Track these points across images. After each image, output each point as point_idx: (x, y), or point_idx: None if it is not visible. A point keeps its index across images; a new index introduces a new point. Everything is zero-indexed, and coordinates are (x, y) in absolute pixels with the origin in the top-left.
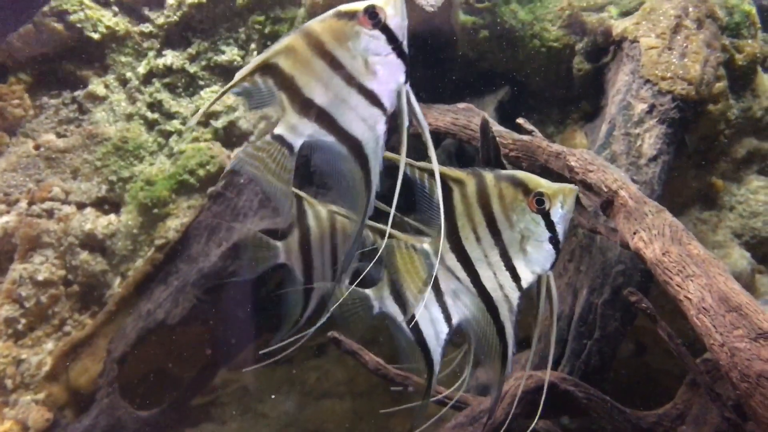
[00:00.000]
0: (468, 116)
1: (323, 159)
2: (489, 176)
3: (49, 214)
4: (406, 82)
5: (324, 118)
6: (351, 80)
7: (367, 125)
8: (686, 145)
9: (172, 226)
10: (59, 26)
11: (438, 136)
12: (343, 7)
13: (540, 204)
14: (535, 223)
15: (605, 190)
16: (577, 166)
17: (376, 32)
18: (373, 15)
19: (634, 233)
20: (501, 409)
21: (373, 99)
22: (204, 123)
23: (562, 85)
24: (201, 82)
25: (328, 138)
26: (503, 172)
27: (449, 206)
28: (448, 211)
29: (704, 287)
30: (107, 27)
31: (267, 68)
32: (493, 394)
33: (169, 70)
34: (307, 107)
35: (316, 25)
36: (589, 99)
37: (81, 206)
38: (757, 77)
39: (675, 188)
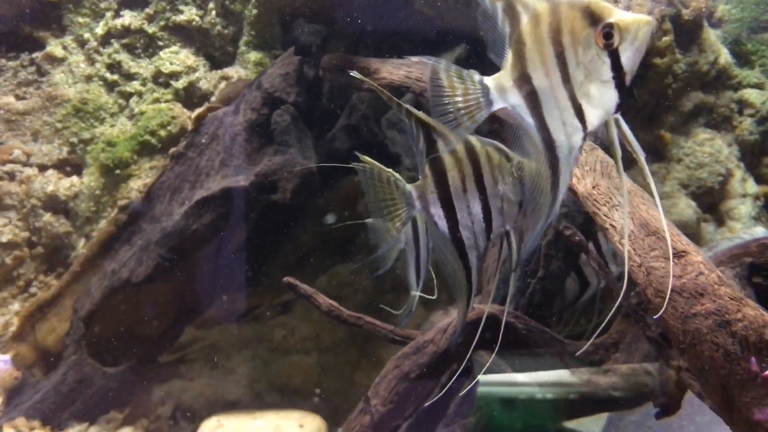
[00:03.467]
0: (421, 69)
1: (516, 136)
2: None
3: (11, 176)
4: (616, 112)
5: (533, 100)
6: (567, 83)
7: (565, 132)
8: (634, 99)
9: (135, 186)
10: None
11: (393, 89)
12: (596, 6)
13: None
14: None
15: None
16: None
17: (605, 54)
18: (608, 35)
19: None
20: (444, 338)
21: (578, 111)
22: (164, 84)
23: None
24: (160, 43)
25: (529, 119)
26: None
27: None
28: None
29: (628, 215)
30: None
31: (511, 9)
32: (459, 318)
33: (127, 31)
34: (523, 80)
35: (567, 6)
36: None
37: (43, 168)
38: (703, 32)
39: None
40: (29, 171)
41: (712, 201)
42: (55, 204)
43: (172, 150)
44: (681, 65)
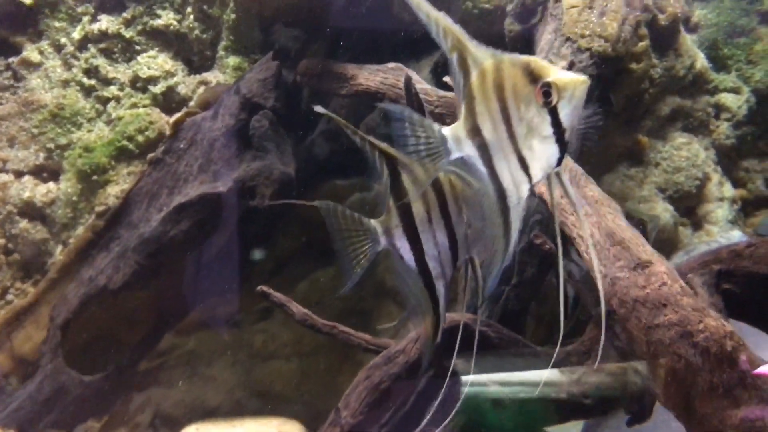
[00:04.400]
0: (397, 75)
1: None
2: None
3: None
4: (557, 166)
5: (484, 151)
6: (512, 137)
7: (513, 182)
8: (612, 104)
9: (113, 192)
10: None
11: (369, 95)
12: (535, 64)
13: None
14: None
15: None
16: None
17: (544, 111)
18: (546, 94)
19: None
20: (415, 348)
21: (522, 164)
22: (142, 89)
23: (495, 46)
24: (137, 47)
25: (482, 168)
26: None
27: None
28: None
29: (594, 225)
30: None
31: (463, 63)
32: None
33: (104, 35)
34: (474, 132)
35: (509, 64)
36: None
37: (19, 174)
38: (680, 37)
39: (603, 146)
40: (5, 177)
41: (689, 205)
42: (31, 210)
43: (150, 155)
44: (657, 70)
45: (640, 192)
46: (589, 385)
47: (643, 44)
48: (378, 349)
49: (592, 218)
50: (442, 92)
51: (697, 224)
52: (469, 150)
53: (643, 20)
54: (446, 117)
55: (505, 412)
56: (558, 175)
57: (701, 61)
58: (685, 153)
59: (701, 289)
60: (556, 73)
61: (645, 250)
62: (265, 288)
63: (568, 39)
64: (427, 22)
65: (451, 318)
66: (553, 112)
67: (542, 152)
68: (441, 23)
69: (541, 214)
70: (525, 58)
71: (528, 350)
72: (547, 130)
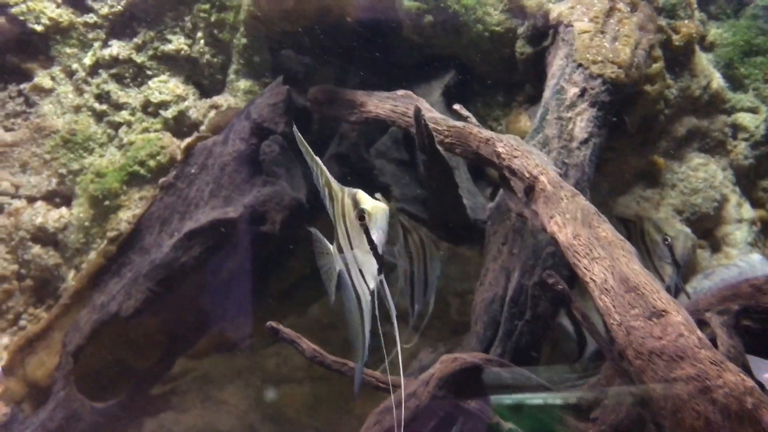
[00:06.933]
0: (406, 103)
1: (343, 289)
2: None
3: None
4: (379, 274)
5: (345, 263)
6: (353, 250)
7: (361, 287)
8: (626, 126)
9: (124, 217)
10: (1, 19)
11: (379, 123)
12: (359, 196)
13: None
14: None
15: (527, 175)
16: (503, 152)
17: (362, 230)
18: (360, 217)
19: (551, 217)
20: (427, 391)
21: (361, 272)
22: (153, 113)
23: (507, 69)
24: (149, 72)
25: (346, 277)
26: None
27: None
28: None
29: (607, 269)
30: (50, 18)
31: (330, 195)
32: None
33: (115, 61)
34: (339, 248)
35: (347, 195)
36: (532, 82)
37: (31, 200)
38: (695, 57)
39: (618, 168)
40: (18, 203)
41: (707, 227)
42: (44, 236)
43: (162, 180)
44: (672, 90)
45: (657, 214)
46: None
47: (657, 66)
48: (388, 387)
49: (605, 261)
50: (452, 122)
51: (716, 246)
52: (339, 263)
53: (657, 41)
54: (456, 146)
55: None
56: (381, 282)
57: (717, 81)
58: (702, 174)
59: (720, 330)
60: (369, 202)
61: (660, 298)
62: (274, 324)
63: (579, 65)
64: (310, 163)
65: (462, 359)
66: (367, 231)
67: (368, 263)
68: (318, 165)
69: (554, 246)
70: (354, 190)
71: (541, 389)
72: (365, 245)
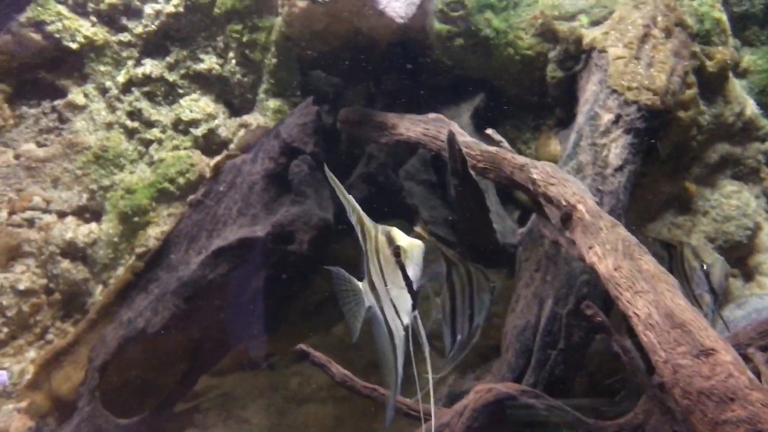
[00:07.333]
0: (438, 127)
1: (375, 325)
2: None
3: (30, 223)
4: (414, 311)
5: (377, 299)
6: (387, 286)
7: (395, 323)
8: (658, 151)
9: (153, 234)
10: (37, 36)
11: (410, 145)
12: (394, 233)
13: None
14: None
15: (564, 203)
16: (539, 179)
17: (397, 267)
18: (396, 253)
19: (590, 248)
20: (461, 423)
21: (395, 308)
22: (184, 131)
23: (537, 92)
24: (180, 91)
25: (379, 314)
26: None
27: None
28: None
29: (651, 303)
30: (85, 37)
31: (362, 232)
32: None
33: (148, 79)
34: (371, 285)
35: (381, 232)
36: (563, 106)
37: (62, 215)
38: (729, 83)
39: (649, 193)
40: (48, 218)
41: (740, 255)
42: (73, 251)
43: (191, 198)
44: (706, 117)
45: (689, 241)
46: None
47: (690, 92)
48: (420, 415)
49: (649, 295)
50: (484, 146)
51: (749, 275)
52: (371, 299)
53: (691, 68)
54: (489, 172)
55: None
56: (416, 319)
57: (751, 108)
58: (735, 201)
59: (765, 367)
60: (405, 240)
61: (708, 335)
62: (304, 347)
63: (614, 91)
64: (342, 200)
65: (498, 390)
66: (402, 268)
67: (403, 300)
68: (350, 202)
69: (589, 274)
70: (389, 228)
71: (578, 424)
72: (401, 282)
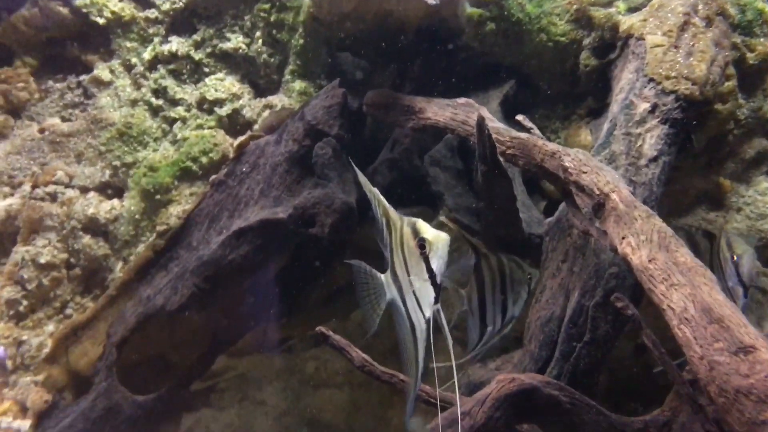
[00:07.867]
0: (467, 112)
1: (396, 317)
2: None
3: (53, 197)
4: (435, 303)
5: (400, 291)
6: (410, 278)
7: (416, 315)
8: (692, 144)
9: (174, 212)
10: (64, 10)
11: (437, 130)
12: (420, 225)
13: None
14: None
15: (597, 192)
16: (571, 166)
17: (421, 259)
18: (421, 246)
19: (623, 238)
20: (482, 411)
21: (418, 301)
22: (208, 110)
23: (568, 81)
24: (206, 69)
25: (400, 305)
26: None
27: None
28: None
29: (687, 297)
30: (112, 12)
31: (388, 225)
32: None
33: (174, 57)
34: (394, 276)
35: (406, 224)
36: (595, 95)
37: (84, 190)
38: None
39: (681, 188)
40: (71, 193)
41: None
42: (94, 226)
43: (213, 177)
44: (744, 111)
45: (725, 231)
46: None
47: (730, 84)
48: (439, 403)
49: (685, 289)
50: (514, 132)
51: None
52: (393, 291)
53: (731, 59)
54: (519, 158)
55: None
56: (438, 311)
57: None
58: None
59: None
60: (430, 232)
61: (748, 332)
62: (324, 329)
63: (651, 80)
64: (367, 192)
65: (519, 380)
66: (427, 260)
67: (426, 292)
68: (375, 195)
69: (618, 267)
70: (414, 219)
71: (602, 418)
72: (424, 274)
